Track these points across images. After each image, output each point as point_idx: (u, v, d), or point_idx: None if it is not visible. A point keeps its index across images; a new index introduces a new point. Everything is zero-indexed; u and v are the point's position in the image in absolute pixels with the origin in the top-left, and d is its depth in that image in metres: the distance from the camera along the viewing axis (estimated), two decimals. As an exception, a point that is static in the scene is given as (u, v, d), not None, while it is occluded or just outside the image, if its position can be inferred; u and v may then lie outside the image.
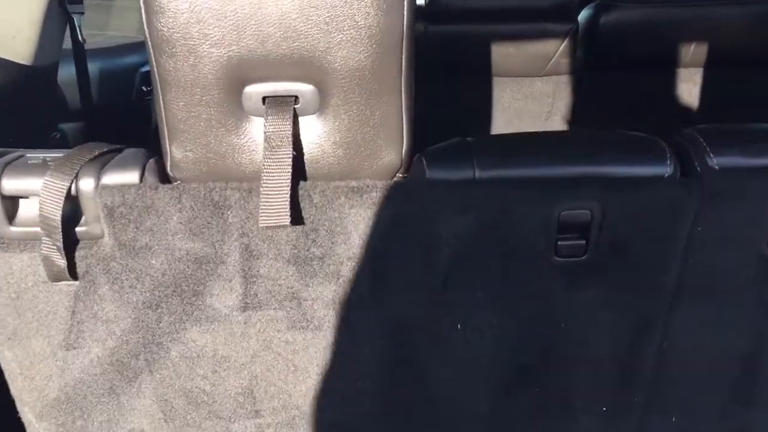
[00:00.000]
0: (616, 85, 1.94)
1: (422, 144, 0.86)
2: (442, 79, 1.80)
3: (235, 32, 0.75)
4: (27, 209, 0.85)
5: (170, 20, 0.74)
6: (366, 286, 0.87)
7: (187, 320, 0.90)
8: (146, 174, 0.84)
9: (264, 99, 0.80)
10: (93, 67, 1.97)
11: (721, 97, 1.94)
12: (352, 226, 0.83)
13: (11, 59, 1.42)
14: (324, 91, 0.79)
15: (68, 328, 0.91)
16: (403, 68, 0.79)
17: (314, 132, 0.82)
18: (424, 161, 0.84)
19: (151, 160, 0.85)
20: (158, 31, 0.75)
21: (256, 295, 0.88)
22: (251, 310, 0.89)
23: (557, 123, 1.97)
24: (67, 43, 1.71)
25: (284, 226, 0.80)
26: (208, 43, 0.75)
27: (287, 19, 0.74)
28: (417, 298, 0.89)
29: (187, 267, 0.86)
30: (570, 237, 0.84)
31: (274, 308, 0.89)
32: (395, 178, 0.85)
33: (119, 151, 0.88)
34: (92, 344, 0.91)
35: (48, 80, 1.63)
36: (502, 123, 1.96)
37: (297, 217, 0.82)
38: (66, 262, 0.84)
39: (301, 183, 0.82)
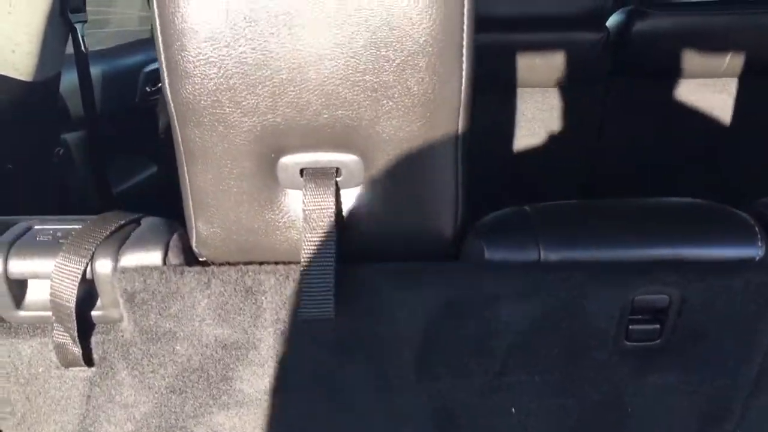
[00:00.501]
0: (647, 94, 1.84)
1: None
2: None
3: (271, 99, 0.65)
4: (36, 291, 0.76)
5: (197, 87, 0.65)
6: (411, 370, 0.79)
7: (213, 405, 0.81)
8: (170, 254, 0.75)
9: (302, 171, 0.71)
10: (94, 71, 1.88)
11: (757, 108, 1.85)
12: (399, 309, 0.74)
13: (11, 75, 1.33)
14: (369, 161, 0.70)
15: (83, 413, 0.82)
16: (460, 136, 0.69)
17: (357, 206, 0.73)
18: (482, 240, 0.75)
19: (175, 236, 0.76)
20: (183, 98, 0.66)
21: (290, 378, 0.79)
22: (284, 392, 0.81)
23: (584, 135, 1.87)
24: (68, 48, 1.61)
25: None
26: (239, 111, 0.66)
27: (330, 85, 0.65)
28: (468, 382, 0.80)
29: (215, 352, 0.77)
30: (643, 320, 0.76)
31: (309, 391, 0.81)
32: (447, 256, 0.76)
33: (138, 222, 0.79)
34: (109, 428, 0.83)
35: (50, 93, 1.55)
36: (527, 135, 1.87)
37: (339, 302, 0.73)
38: (81, 350, 0.75)
39: (343, 265, 0.73)
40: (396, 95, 0.65)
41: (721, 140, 1.89)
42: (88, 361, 0.77)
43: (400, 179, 0.71)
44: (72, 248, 0.71)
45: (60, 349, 0.75)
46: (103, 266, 0.73)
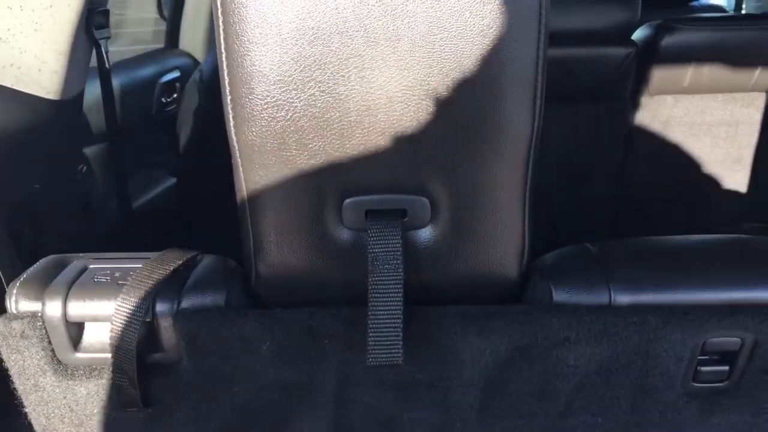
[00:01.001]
0: (674, 108, 1.83)
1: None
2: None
3: (339, 142, 0.64)
4: (94, 333, 0.74)
5: (263, 128, 0.63)
6: (474, 413, 0.77)
7: (270, 444, 0.80)
8: (231, 296, 0.73)
9: (367, 212, 0.69)
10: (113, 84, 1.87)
11: None
12: (466, 353, 0.73)
13: (36, 94, 1.31)
14: (436, 203, 0.68)
15: None
16: (529, 175, 0.68)
17: (423, 248, 0.71)
18: (549, 281, 0.73)
19: (237, 277, 0.74)
20: (249, 140, 0.64)
21: (350, 420, 0.78)
22: (344, 434, 0.79)
23: (612, 149, 1.86)
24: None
25: None
26: (306, 154, 0.64)
27: (399, 128, 0.63)
28: (531, 423, 0.78)
29: (275, 394, 0.75)
30: (713, 361, 0.74)
31: None
32: (512, 296, 0.75)
33: (195, 261, 0.77)
34: None
35: (74, 111, 1.53)
36: (555, 151, 1.85)
37: (405, 344, 0.72)
38: (139, 392, 0.73)
39: (409, 306, 0.71)
40: (466, 137, 0.64)
41: (748, 155, 1.87)
42: (146, 402, 0.75)
43: (468, 220, 0.69)
44: (132, 291, 0.70)
45: (118, 391, 0.73)
46: (165, 309, 0.71)
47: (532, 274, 0.75)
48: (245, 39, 0.60)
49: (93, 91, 1.90)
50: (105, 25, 1.59)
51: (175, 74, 2.28)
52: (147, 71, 2.21)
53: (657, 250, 0.78)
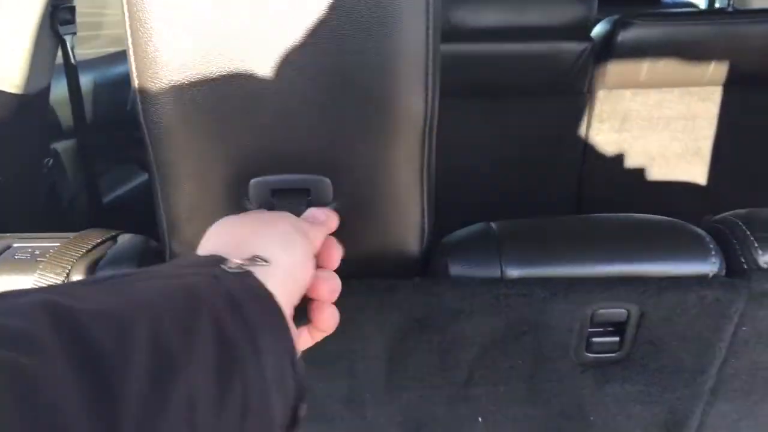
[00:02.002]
0: (631, 103, 1.87)
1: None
2: (449, 99, 1.72)
3: (241, 124, 0.67)
4: None
5: (169, 111, 0.67)
6: (381, 383, 0.81)
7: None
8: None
9: (273, 191, 0.73)
10: (85, 80, 1.90)
11: (739, 117, 1.87)
12: (367, 325, 0.76)
13: (1, 89, 1.35)
14: (337, 183, 0.72)
15: None
16: (426, 157, 0.72)
17: None
18: (447, 257, 0.77)
19: (152, 254, 0.78)
20: (155, 122, 0.68)
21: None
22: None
23: (571, 144, 1.90)
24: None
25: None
26: (210, 136, 0.68)
27: (301, 110, 0.67)
28: (435, 393, 0.82)
29: None
30: (603, 333, 0.78)
31: None
32: (416, 274, 0.78)
33: (115, 239, 0.81)
34: None
35: (40, 106, 1.57)
36: (512, 145, 1.89)
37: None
38: None
39: None
40: (363, 121, 0.67)
41: (706, 147, 1.91)
42: None
43: (367, 200, 0.73)
44: (49, 266, 0.74)
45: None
46: None
47: (434, 251, 0.79)
48: (148, 26, 0.64)
49: (61, 85, 1.92)
50: (71, 21, 1.63)
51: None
52: (123, 68, 2.24)
53: (552, 228, 0.81)
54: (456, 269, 0.76)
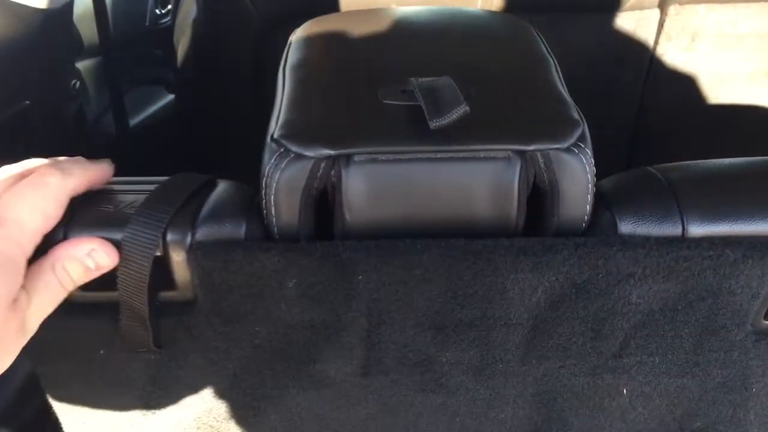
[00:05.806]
0: (705, 19, 1.71)
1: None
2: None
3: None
4: None
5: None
6: (519, 353, 0.70)
7: (293, 386, 0.73)
8: (251, 226, 0.64)
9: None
10: (102, -5, 1.75)
11: None
12: (516, 290, 0.65)
13: (24, 3, 1.21)
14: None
15: (146, 395, 0.74)
16: None
17: None
18: (613, 210, 0.65)
19: (256, 206, 0.65)
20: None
21: (381, 362, 0.70)
22: (372, 377, 0.72)
23: (630, 66, 1.74)
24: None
25: (429, 291, 0.62)
26: None
27: None
28: (579, 363, 0.71)
29: (300, 334, 0.68)
30: None
31: (400, 373, 0.72)
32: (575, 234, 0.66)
33: (211, 186, 0.68)
34: (176, 409, 0.75)
35: (64, 22, 1.42)
36: (574, 65, 1.73)
37: (450, 281, 0.64)
38: (151, 333, 0.66)
39: (453, 241, 0.63)
40: None
41: None
42: (157, 344, 0.68)
43: None
44: (142, 220, 0.61)
45: (128, 331, 0.65)
46: (177, 241, 0.62)
47: (600, 206, 0.66)
48: None
49: (84, 2, 1.79)
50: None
51: (169, -17, 2.16)
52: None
53: (730, 175, 0.69)
54: (627, 226, 0.64)
